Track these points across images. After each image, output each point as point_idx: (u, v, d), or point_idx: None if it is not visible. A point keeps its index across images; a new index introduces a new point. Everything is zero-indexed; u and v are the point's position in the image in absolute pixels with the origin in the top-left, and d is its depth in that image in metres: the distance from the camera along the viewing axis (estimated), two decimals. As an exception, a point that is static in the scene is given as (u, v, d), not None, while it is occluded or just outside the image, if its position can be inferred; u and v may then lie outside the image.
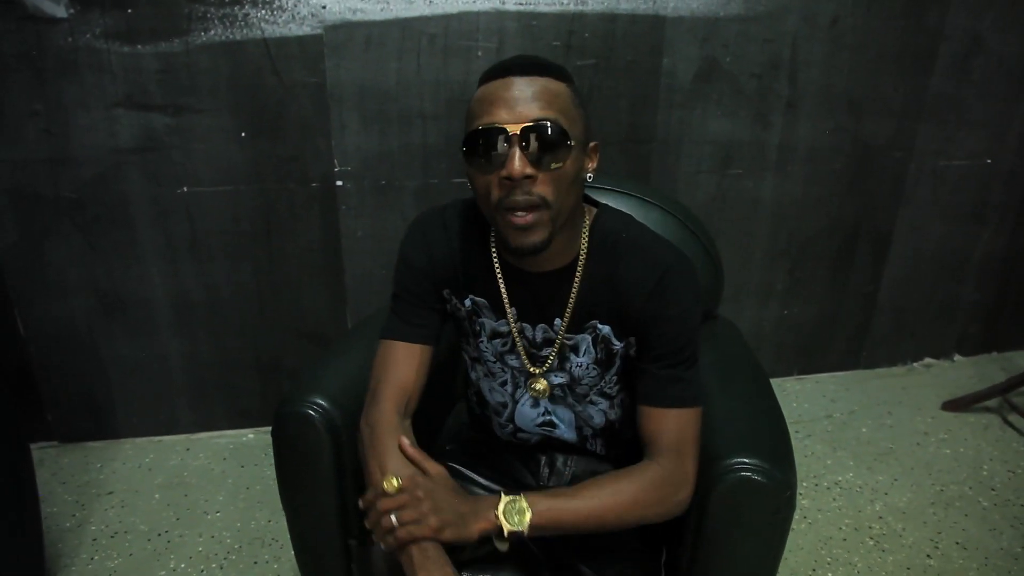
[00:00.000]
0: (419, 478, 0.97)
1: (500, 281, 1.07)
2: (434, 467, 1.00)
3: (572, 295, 1.05)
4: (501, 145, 0.89)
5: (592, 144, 1.00)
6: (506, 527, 0.93)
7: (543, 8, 1.91)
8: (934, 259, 2.59)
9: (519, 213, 0.91)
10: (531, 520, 0.94)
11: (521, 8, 1.90)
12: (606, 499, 0.97)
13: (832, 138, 2.28)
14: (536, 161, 0.90)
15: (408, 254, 1.11)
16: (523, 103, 0.89)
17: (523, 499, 0.94)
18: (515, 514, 0.94)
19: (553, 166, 0.90)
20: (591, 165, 1.00)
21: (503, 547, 0.96)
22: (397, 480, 0.96)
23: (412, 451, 1.01)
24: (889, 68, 2.22)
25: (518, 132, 0.88)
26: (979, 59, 2.29)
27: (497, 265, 1.07)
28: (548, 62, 0.94)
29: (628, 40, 2.00)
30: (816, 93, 2.20)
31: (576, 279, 1.04)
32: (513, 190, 0.90)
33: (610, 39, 1.99)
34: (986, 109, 2.37)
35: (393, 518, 0.93)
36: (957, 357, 2.81)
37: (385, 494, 0.96)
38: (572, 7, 1.93)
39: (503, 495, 0.95)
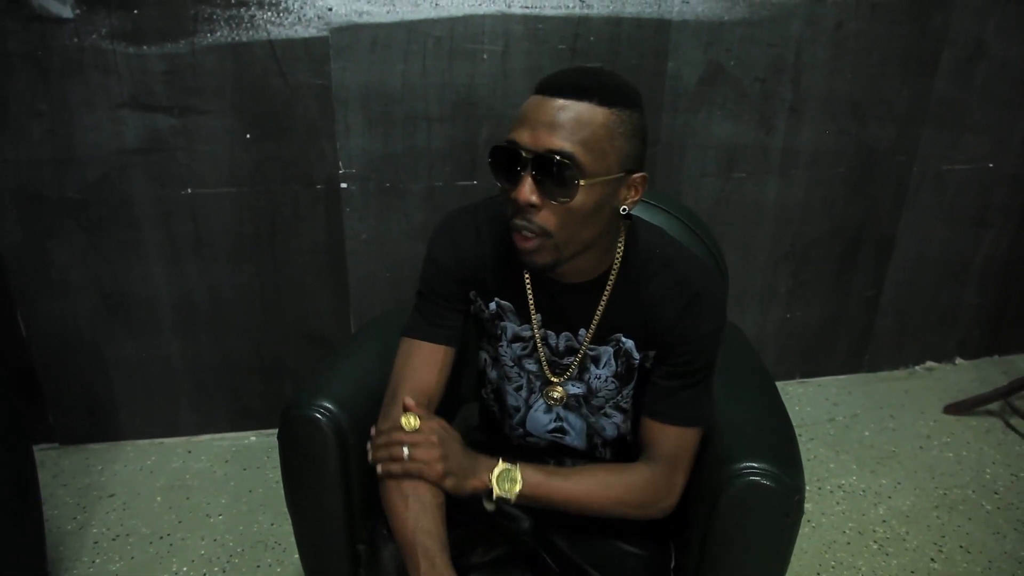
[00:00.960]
0: (436, 424, 1.00)
1: (528, 286, 1.06)
2: (443, 422, 1.02)
3: (600, 307, 1.04)
4: (515, 167, 0.89)
5: (637, 175, 0.94)
6: (496, 491, 0.98)
7: (549, 11, 1.91)
8: (937, 263, 2.59)
9: (523, 234, 0.91)
10: (520, 490, 0.99)
11: (527, 11, 1.90)
12: (595, 489, 1.02)
13: (835, 142, 2.28)
14: (545, 192, 0.88)
15: (437, 253, 1.10)
16: (545, 129, 0.87)
17: (517, 469, 0.99)
18: (507, 481, 0.99)
19: (560, 199, 0.88)
20: (631, 196, 0.95)
21: (490, 507, 1.01)
22: (416, 419, 1.00)
23: (419, 410, 1.02)
24: (893, 72, 2.22)
25: (531, 159, 0.87)
26: (982, 64, 2.29)
27: (526, 270, 1.06)
28: (598, 82, 0.90)
29: (633, 44, 2.00)
30: (820, 97, 2.20)
31: (606, 293, 1.03)
32: (517, 213, 0.90)
33: (615, 43, 1.99)
34: (989, 113, 2.38)
35: (405, 451, 0.97)
36: (959, 360, 2.81)
37: (401, 429, 0.99)
38: (577, 11, 1.93)
39: (500, 461, 1.00)
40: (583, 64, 1.98)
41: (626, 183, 0.94)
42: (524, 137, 0.88)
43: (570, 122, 0.87)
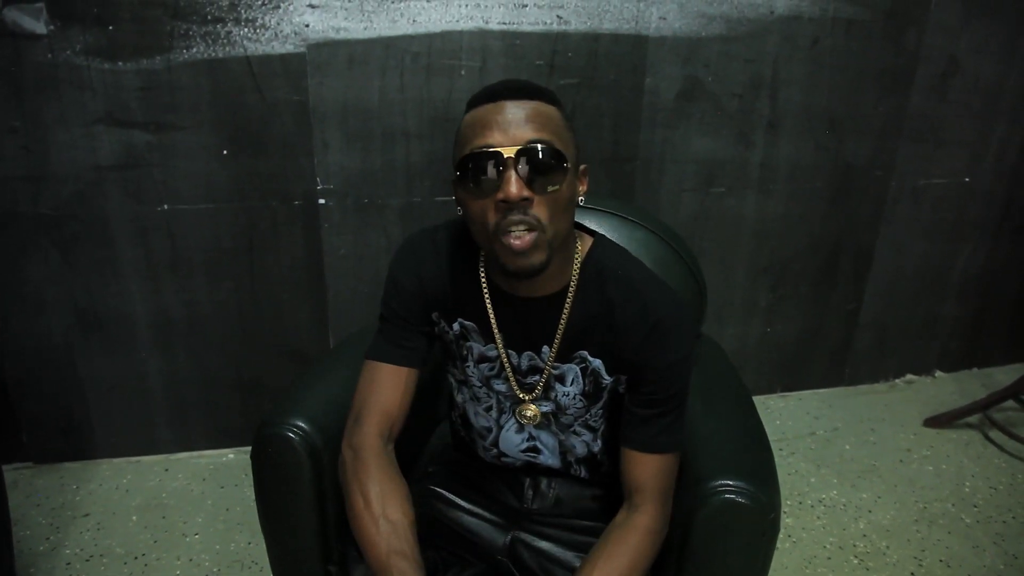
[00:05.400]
0: None
1: (488, 305, 1.06)
2: None
3: (561, 324, 1.03)
4: (495, 169, 0.88)
5: (582, 167, 0.99)
6: None
7: (526, 27, 1.92)
8: (915, 276, 2.61)
9: (516, 235, 0.89)
10: None
11: (505, 27, 1.91)
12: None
13: (813, 157, 2.30)
14: (531, 184, 0.88)
15: (398, 276, 1.09)
16: (516, 126, 0.88)
17: None
18: None
19: (549, 189, 0.89)
20: (582, 188, 0.99)
21: None
22: None
23: None
24: (869, 88, 2.25)
25: (513, 155, 0.87)
26: (956, 79, 2.32)
27: (486, 289, 1.05)
28: (537, 85, 0.93)
29: (611, 59, 2.01)
30: (797, 112, 2.22)
31: (566, 308, 1.02)
32: (509, 213, 0.89)
33: (593, 58, 2.00)
34: (964, 128, 2.41)
35: None
36: (938, 373, 2.83)
37: None
38: (555, 27, 1.94)
39: None
40: (559, 80, 1.99)
41: (578, 175, 0.98)
42: (496, 139, 0.88)
43: (537, 116, 0.90)
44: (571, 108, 2.03)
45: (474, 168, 0.90)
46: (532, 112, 0.90)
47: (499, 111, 0.90)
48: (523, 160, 0.88)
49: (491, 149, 0.88)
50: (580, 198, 0.98)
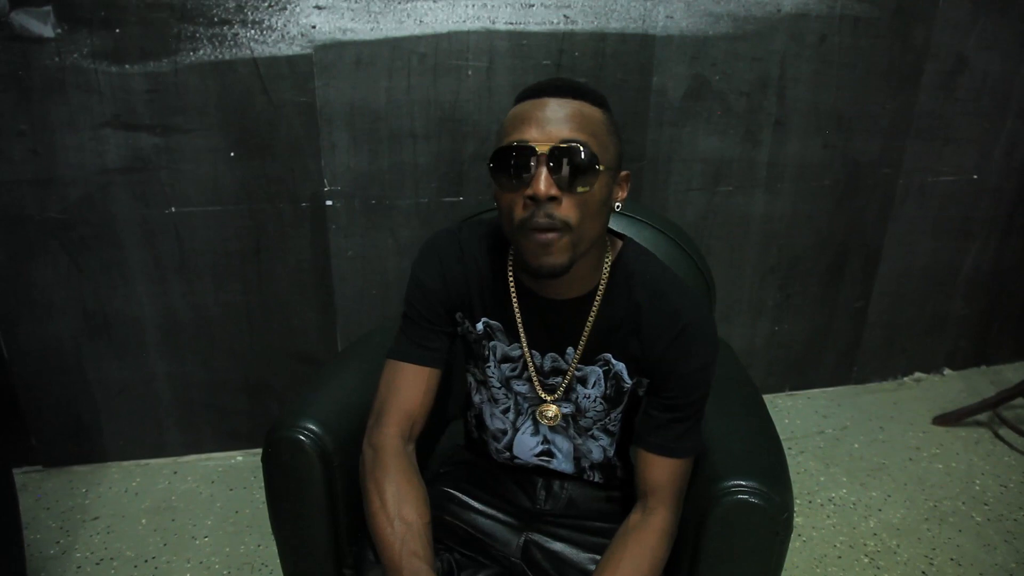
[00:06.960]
0: None
1: (515, 305, 1.05)
2: None
3: (588, 326, 1.03)
4: (529, 164, 0.88)
5: (624, 173, 0.99)
6: None
7: (533, 27, 1.92)
8: (923, 274, 2.60)
9: (540, 232, 0.89)
10: None
11: (511, 28, 1.91)
12: None
13: (821, 155, 2.29)
14: (563, 183, 0.88)
15: (421, 276, 1.08)
16: (555, 123, 0.88)
17: None
18: None
19: (580, 189, 0.88)
20: (621, 194, 0.98)
21: None
22: None
23: None
24: (876, 86, 2.24)
25: (547, 152, 0.87)
26: (964, 77, 2.31)
27: (513, 288, 1.05)
28: (585, 86, 0.93)
29: (618, 59, 2.01)
30: (804, 111, 2.21)
31: (593, 311, 1.02)
32: (537, 210, 0.88)
33: (600, 58, 1.99)
34: (972, 126, 2.40)
35: None
36: (947, 371, 2.82)
37: None
38: (562, 26, 1.94)
39: None
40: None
41: (618, 180, 0.97)
42: (533, 134, 0.88)
43: (577, 116, 0.90)
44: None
45: (507, 161, 0.89)
46: (573, 111, 0.89)
47: (540, 107, 0.90)
48: (555, 157, 0.87)
49: (525, 144, 0.88)
50: (617, 204, 0.97)
